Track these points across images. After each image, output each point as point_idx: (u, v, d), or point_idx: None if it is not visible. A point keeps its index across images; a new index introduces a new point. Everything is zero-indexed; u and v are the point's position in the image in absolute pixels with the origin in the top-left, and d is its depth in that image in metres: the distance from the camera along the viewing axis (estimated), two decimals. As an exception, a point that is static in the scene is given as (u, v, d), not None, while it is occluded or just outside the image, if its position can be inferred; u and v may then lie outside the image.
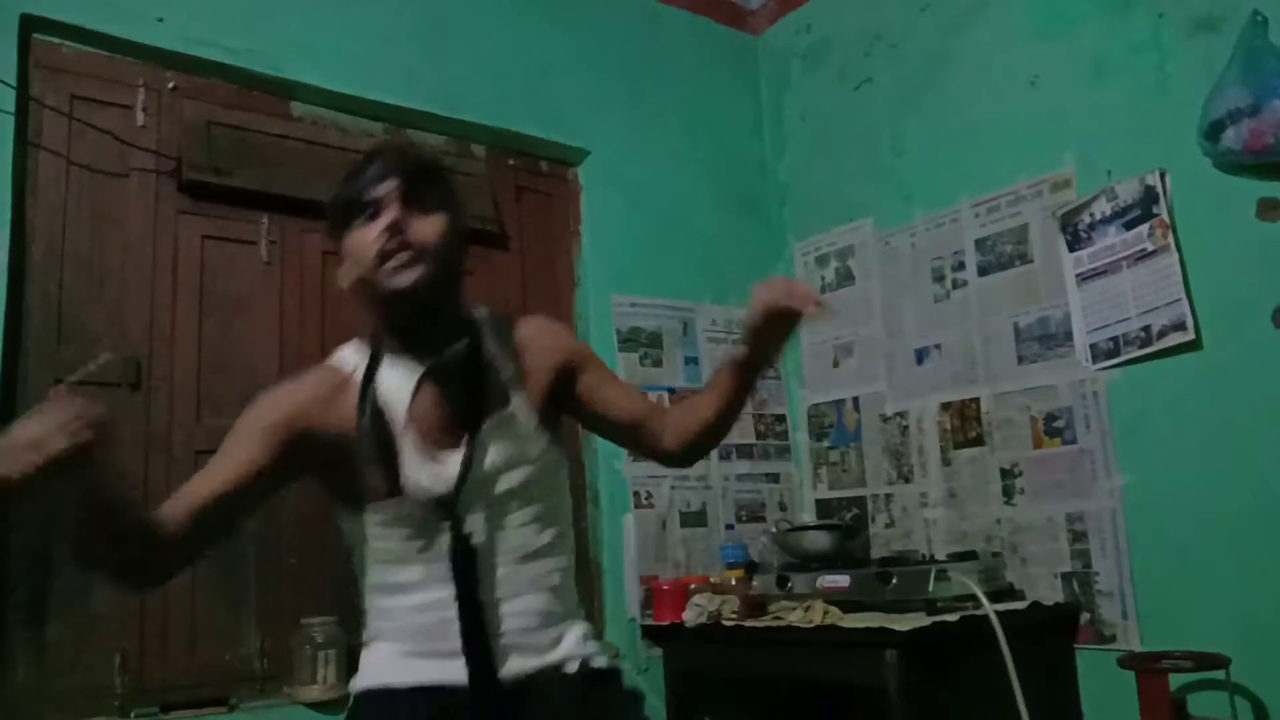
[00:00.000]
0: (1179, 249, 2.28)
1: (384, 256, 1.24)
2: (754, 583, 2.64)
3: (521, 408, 1.37)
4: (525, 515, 1.36)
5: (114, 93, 2.28)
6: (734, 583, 2.66)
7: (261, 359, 2.38)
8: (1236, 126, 2.10)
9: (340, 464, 1.32)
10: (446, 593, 1.29)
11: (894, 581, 2.33)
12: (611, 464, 2.82)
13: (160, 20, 2.29)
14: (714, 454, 3.01)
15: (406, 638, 1.34)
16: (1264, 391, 2.14)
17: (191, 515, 1.22)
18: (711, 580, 2.71)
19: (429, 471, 1.30)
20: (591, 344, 2.87)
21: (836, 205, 3.17)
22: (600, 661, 1.41)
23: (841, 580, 2.44)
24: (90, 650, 2.06)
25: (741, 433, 3.12)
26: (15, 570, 2.01)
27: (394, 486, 1.29)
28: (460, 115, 2.73)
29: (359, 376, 1.33)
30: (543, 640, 1.35)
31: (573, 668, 1.36)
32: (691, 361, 3.06)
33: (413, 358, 1.32)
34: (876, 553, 2.88)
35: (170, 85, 2.35)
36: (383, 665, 1.35)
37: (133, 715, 2.07)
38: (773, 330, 1.36)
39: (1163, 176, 2.32)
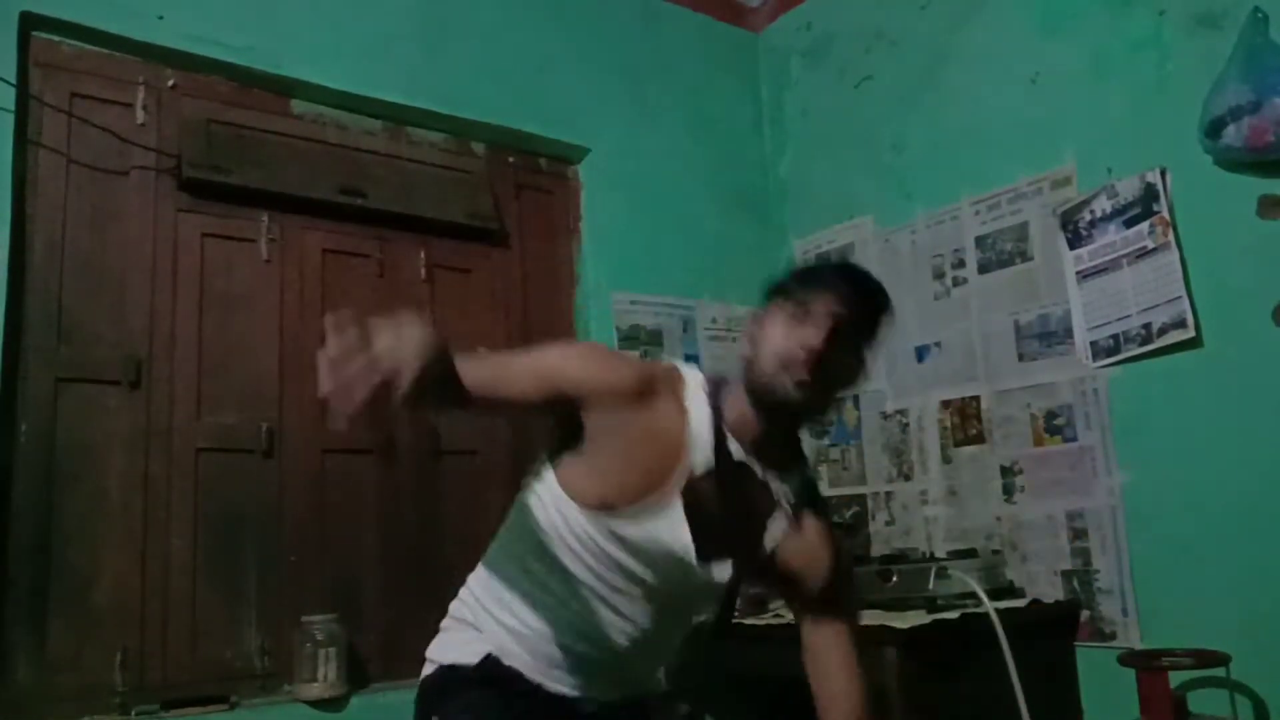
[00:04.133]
0: (1179, 246, 2.28)
1: (790, 364, 1.27)
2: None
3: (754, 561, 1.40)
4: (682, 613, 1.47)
5: (114, 91, 2.28)
6: (734, 580, 2.66)
7: (262, 356, 2.38)
8: (1237, 124, 2.10)
9: (604, 448, 1.33)
10: (588, 635, 1.37)
11: (894, 579, 2.33)
12: (612, 462, 2.82)
13: (160, 18, 2.29)
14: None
15: (526, 646, 1.40)
16: (1264, 389, 2.14)
17: (477, 399, 1.23)
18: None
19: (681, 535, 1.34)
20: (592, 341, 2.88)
21: (837, 202, 3.17)
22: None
23: (842, 578, 2.43)
24: (91, 647, 2.07)
25: (742, 430, 3.11)
26: (15, 568, 2.01)
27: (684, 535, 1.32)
28: (460, 113, 2.73)
29: (692, 409, 1.34)
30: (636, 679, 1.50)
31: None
32: (692, 359, 3.05)
33: (754, 443, 1.35)
34: (877, 550, 2.88)
35: (170, 83, 2.36)
36: (501, 646, 1.41)
37: (133, 713, 2.07)
38: None
39: (1163, 174, 2.32)
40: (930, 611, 2.21)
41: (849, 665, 1.46)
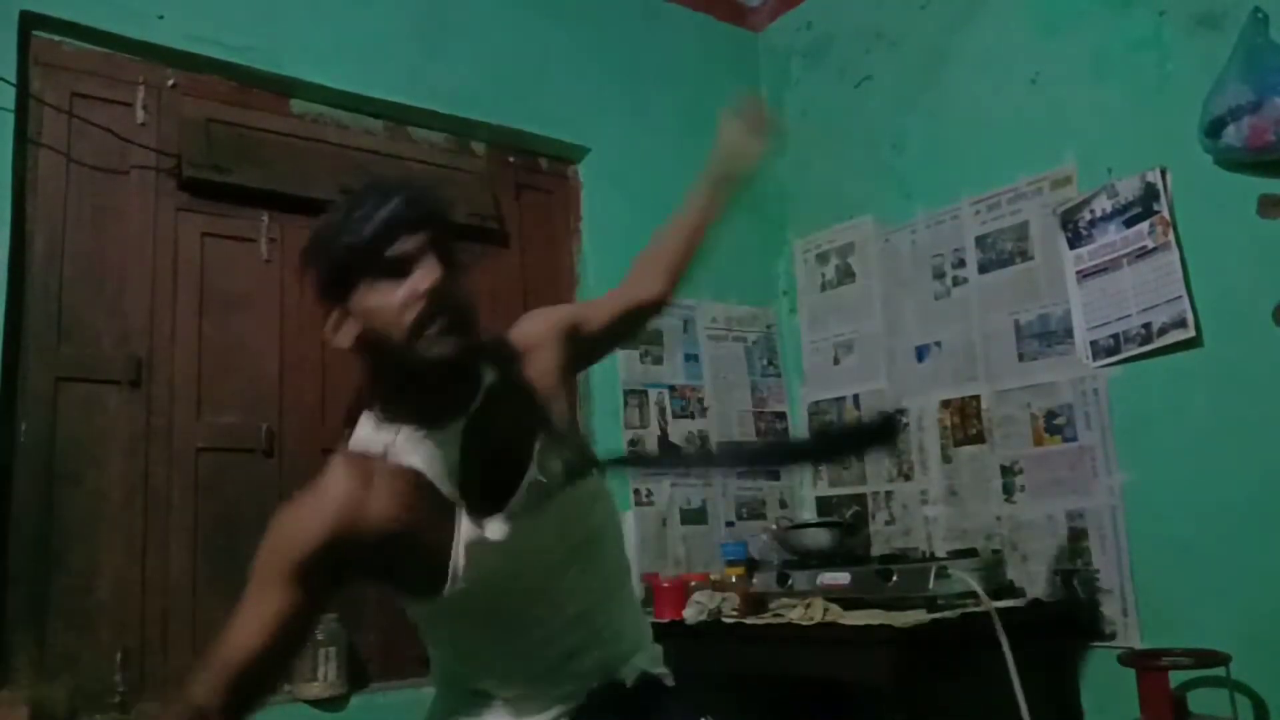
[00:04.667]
0: (1179, 246, 2.28)
1: (423, 324, 1.07)
2: (754, 580, 2.64)
3: (562, 416, 1.26)
4: (604, 548, 1.32)
5: (114, 90, 2.28)
6: (734, 580, 2.66)
7: (262, 356, 2.38)
8: (1237, 123, 2.10)
9: (401, 559, 1.18)
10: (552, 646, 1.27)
11: (894, 579, 2.33)
12: (612, 461, 2.82)
13: (160, 18, 2.29)
14: (714, 452, 3.02)
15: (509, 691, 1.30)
16: (1264, 389, 2.14)
17: (229, 688, 1.14)
18: (712, 577, 2.71)
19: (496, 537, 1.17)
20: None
21: (837, 202, 3.17)
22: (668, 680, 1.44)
23: (842, 577, 2.44)
24: (91, 647, 2.06)
25: (742, 430, 3.12)
26: (15, 567, 2.01)
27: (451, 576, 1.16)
28: (460, 113, 2.73)
29: (395, 455, 1.15)
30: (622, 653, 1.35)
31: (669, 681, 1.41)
32: (692, 359, 3.06)
33: (441, 427, 1.15)
34: (877, 550, 2.88)
35: (170, 83, 2.35)
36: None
37: (133, 712, 2.07)
38: (746, 158, 1.54)
39: (1163, 174, 2.32)
40: (930, 611, 2.21)
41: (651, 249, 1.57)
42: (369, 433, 1.19)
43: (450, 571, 1.15)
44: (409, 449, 1.15)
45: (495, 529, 1.16)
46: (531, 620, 1.23)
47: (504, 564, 1.17)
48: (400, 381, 1.14)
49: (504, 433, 1.19)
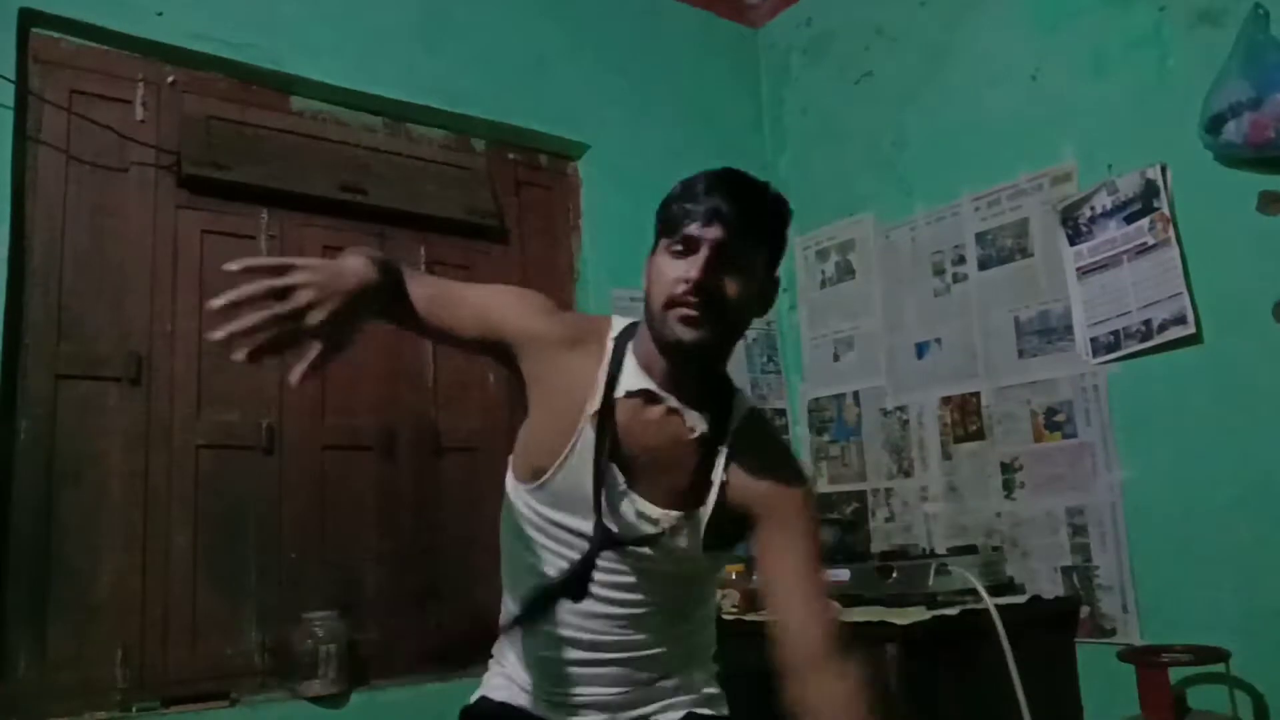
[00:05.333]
0: (1179, 243, 2.28)
1: (675, 302, 1.19)
2: (754, 577, 2.64)
3: (704, 519, 1.30)
4: (667, 594, 1.36)
5: (113, 87, 2.28)
6: (734, 577, 2.66)
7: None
8: (1237, 120, 2.10)
9: (538, 408, 1.32)
10: (565, 619, 1.32)
11: (894, 575, 2.33)
12: (612, 458, 2.82)
13: (159, 15, 2.28)
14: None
15: (516, 655, 1.42)
16: (1264, 385, 2.14)
17: (422, 318, 1.30)
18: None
19: (622, 501, 1.29)
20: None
21: (837, 199, 3.17)
22: (708, 711, 1.45)
23: (842, 574, 2.44)
24: (91, 645, 2.07)
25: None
26: (16, 565, 2.01)
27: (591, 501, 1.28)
28: (460, 109, 2.73)
29: (607, 361, 1.30)
30: (643, 697, 1.39)
31: (674, 716, 1.42)
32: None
33: (665, 389, 1.28)
34: (877, 547, 2.88)
35: (169, 80, 2.35)
36: (498, 687, 1.44)
37: (134, 709, 2.07)
38: None
39: (1163, 170, 2.32)
40: (930, 608, 2.22)
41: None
42: (619, 320, 1.35)
43: (559, 459, 1.27)
44: (630, 366, 1.29)
45: (624, 497, 1.28)
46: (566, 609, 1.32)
47: (581, 489, 1.27)
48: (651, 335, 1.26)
49: (688, 459, 1.29)
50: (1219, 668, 2.02)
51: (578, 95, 2.98)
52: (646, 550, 1.29)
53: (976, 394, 2.72)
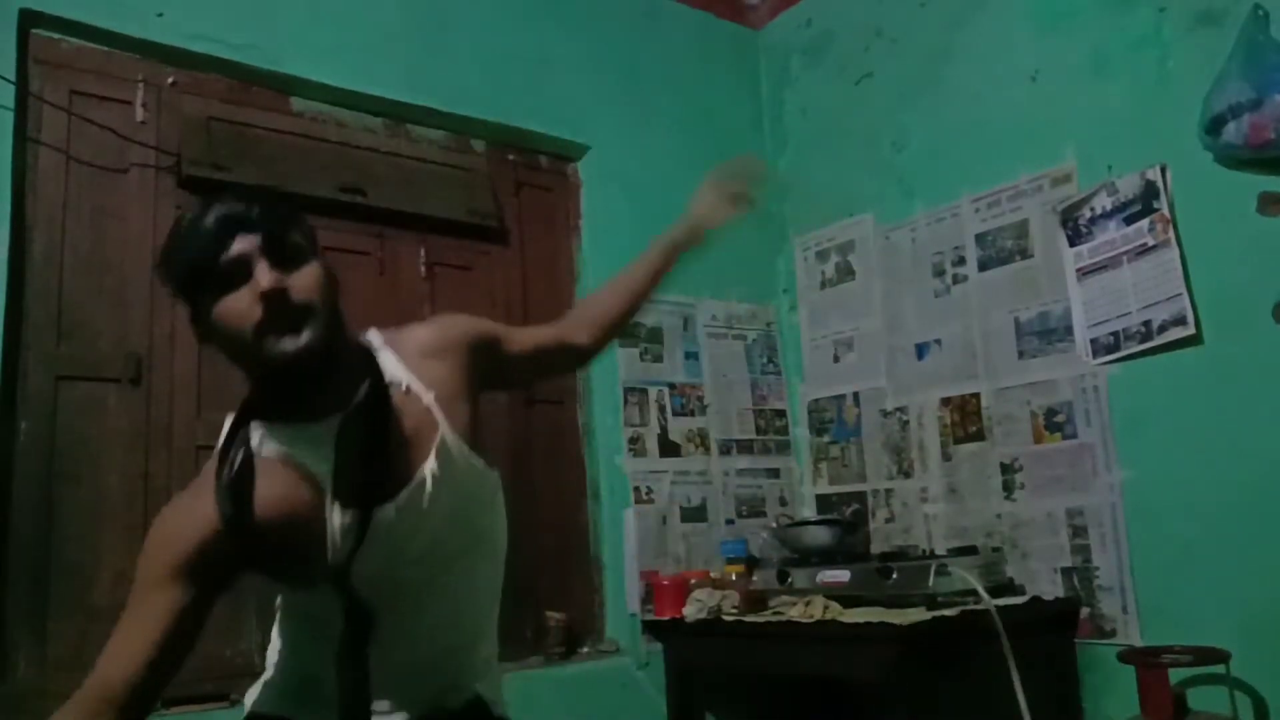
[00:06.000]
0: (1179, 244, 2.28)
1: (265, 328, 1.08)
2: (754, 578, 2.64)
3: (451, 434, 1.22)
4: (459, 559, 1.27)
5: (113, 88, 2.28)
6: (734, 578, 2.66)
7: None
8: (1237, 121, 2.10)
9: (283, 545, 1.17)
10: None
11: (894, 576, 2.33)
12: (612, 460, 2.82)
13: (160, 16, 2.28)
14: (714, 449, 3.03)
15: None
16: (1264, 386, 2.14)
17: (114, 710, 1.07)
18: (712, 575, 2.72)
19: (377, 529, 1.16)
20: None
21: (837, 200, 3.17)
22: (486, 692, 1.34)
23: (842, 575, 2.44)
24: (92, 645, 2.05)
25: (742, 428, 3.12)
26: (16, 565, 2.01)
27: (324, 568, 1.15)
28: (460, 110, 2.73)
29: (272, 446, 1.18)
30: (440, 687, 1.30)
31: (456, 703, 1.31)
32: (692, 357, 3.06)
33: (318, 421, 1.16)
34: (877, 548, 2.88)
35: (170, 81, 2.35)
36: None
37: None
38: (709, 222, 1.54)
39: (1163, 171, 2.32)
40: (930, 609, 2.21)
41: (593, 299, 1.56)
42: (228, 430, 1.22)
43: (329, 548, 1.14)
44: (288, 438, 1.17)
45: (384, 514, 1.16)
46: (394, 620, 1.21)
47: (385, 550, 1.17)
48: (264, 380, 1.17)
49: (383, 430, 1.18)
50: (1219, 668, 2.02)
51: (578, 96, 2.98)
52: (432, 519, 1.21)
53: (976, 395, 2.72)
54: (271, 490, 1.16)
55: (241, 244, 1.09)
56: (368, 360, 1.22)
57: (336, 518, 1.15)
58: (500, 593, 1.38)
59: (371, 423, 1.17)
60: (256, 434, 1.20)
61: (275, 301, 1.08)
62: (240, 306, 1.08)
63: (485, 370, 1.33)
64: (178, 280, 1.13)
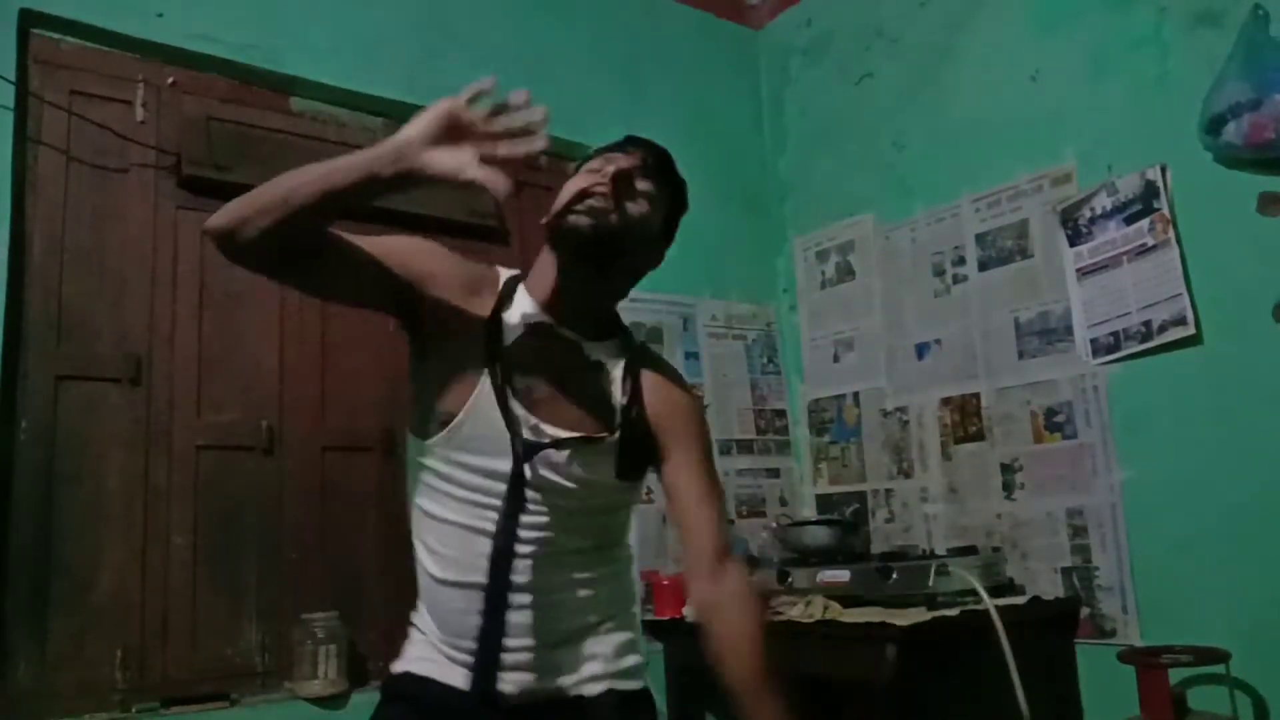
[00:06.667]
0: (1179, 244, 2.28)
1: (585, 194, 1.26)
2: (754, 577, 2.63)
3: (612, 449, 1.31)
4: (583, 529, 1.33)
5: (113, 88, 2.28)
6: (734, 577, 2.66)
7: (262, 354, 2.38)
8: (1237, 121, 2.10)
9: (440, 348, 1.31)
10: (478, 564, 1.26)
11: (894, 576, 2.33)
12: (612, 459, 2.82)
13: (159, 15, 2.29)
14: (714, 447, 3.02)
15: (436, 627, 1.34)
16: (1264, 386, 2.14)
17: (327, 248, 1.26)
18: (712, 575, 2.71)
19: (527, 423, 1.27)
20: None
21: (837, 200, 3.17)
22: (631, 684, 1.37)
23: (842, 575, 2.44)
24: (91, 645, 2.07)
25: (742, 428, 3.12)
26: (15, 565, 2.01)
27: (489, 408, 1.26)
28: (460, 110, 2.73)
29: (499, 292, 1.34)
30: (558, 662, 1.31)
31: (595, 690, 1.32)
32: (692, 356, 3.06)
33: (557, 320, 1.32)
34: (877, 548, 2.88)
35: (169, 80, 2.35)
36: (412, 654, 1.39)
37: (134, 710, 2.07)
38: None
39: (1163, 171, 2.32)
40: (930, 609, 2.22)
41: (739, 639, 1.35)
42: (510, 271, 1.40)
43: (466, 402, 1.25)
44: (516, 298, 1.33)
45: (550, 427, 1.27)
46: (488, 521, 1.27)
47: (492, 425, 1.25)
48: (551, 258, 1.32)
49: (589, 386, 1.31)
50: (1219, 669, 2.02)
51: (578, 96, 2.97)
52: (563, 481, 1.28)
53: (976, 395, 2.72)
54: (474, 312, 1.31)
55: (633, 157, 1.30)
56: (620, 330, 1.39)
57: (517, 381, 1.27)
58: (624, 574, 1.45)
59: (589, 367, 1.33)
60: (520, 289, 1.35)
61: (615, 180, 1.26)
62: (594, 175, 1.28)
63: (656, 446, 1.37)
64: (579, 164, 1.36)
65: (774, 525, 2.98)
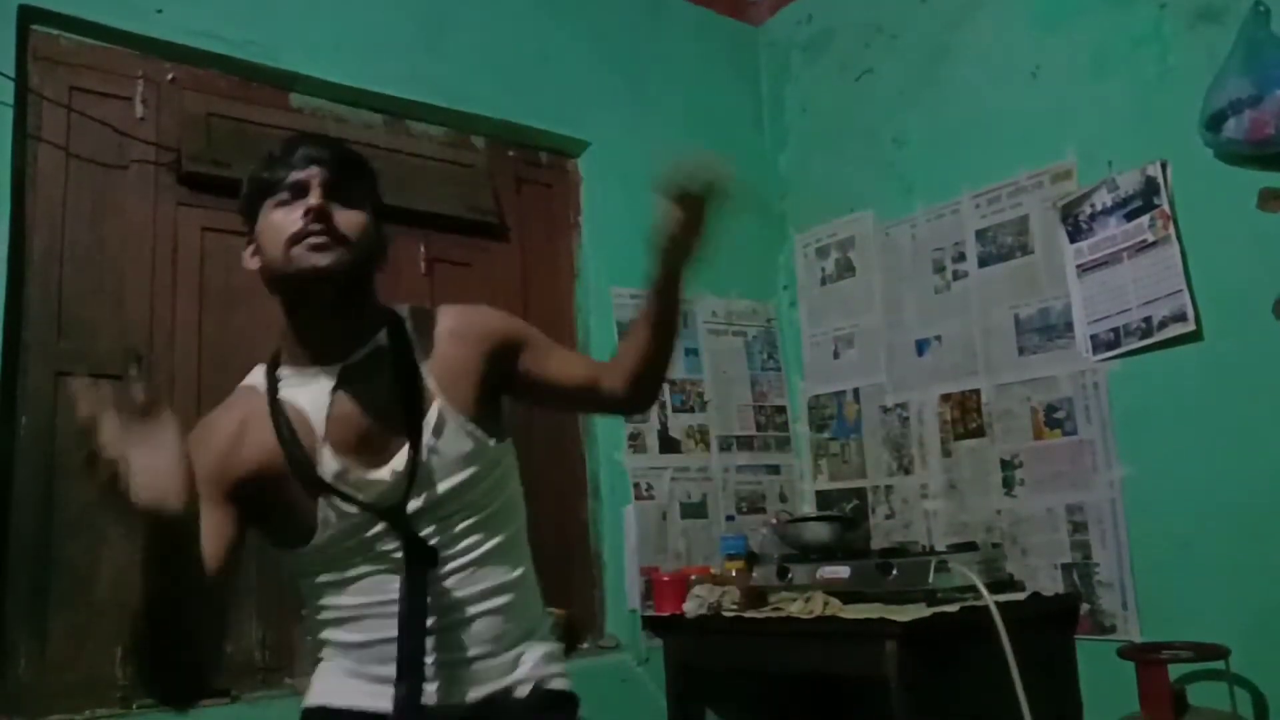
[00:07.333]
0: (1180, 240, 2.28)
1: (300, 237, 1.20)
2: (754, 574, 2.64)
3: (450, 408, 1.29)
4: (471, 523, 1.29)
5: (113, 84, 2.27)
6: (734, 574, 2.66)
7: (262, 351, 2.35)
8: (1238, 117, 2.10)
9: (275, 500, 1.24)
10: (390, 614, 1.23)
11: (894, 572, 2.34)
12: (612, 456, 2.82)
13: (159, 12, 2.28)
14: (714, 445, 3.03)
15: (352, 659, 1.29)
16: (1264, 382, 2.14)
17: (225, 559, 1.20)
18: (712, 571, 2.72)
19: (362, 487, 1.24)
20: (591, 336, 2.89)
21: (837, 197, 3.16)
22: (558, 684, 1.34)
23: (842, 571, 2.44)
24: (92, 642, 2.06)
25: (742, 424, 3.12)
26: (16, 562, 2.01)
27: (314, 520, 1.23)
28: (460, 107, 2.73)
29: (282, 392, 1.27)
30: (492, 665, 1.28)
31: (523, 692, 1.30)
32: (692, 353, 3.06)
33: (324, 366, 1.27)
34: (877, 544, 2.88)
35: (169, 77, 2.35)
36: (327, 684, 1.31)
37: (134, 707, 2.07)
38: (683, 233, 1.41)
39: (1164, 167, 2.32)
40: (930, 605, 2.22)
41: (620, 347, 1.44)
42: (259, 374, 1.33)
43: (320, 515, 1.23)
44: (294, 386, 1.27)
45: (379, 475, 1.24)
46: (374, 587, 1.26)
47: (363, 519, 1.23)
48: (288, 306, 1.28)
49: (379, 403, 1.26)
50: (1219, 665, 2.03)
51: (578, 92, 2.97)
52: (438, 493, 1.26)
53: (976, 391, 2.72)
54: (267, 439, 1.25)
55: (308, 172, 1.23)
56: (392, 321, 1.32)
57: (328, 464, 1.22)
58: (529, 578, 1.39)
59: (380, 376, 1.27)
60: (275, 378, 1.30)
61: (316, 217, 1.20)
62: (286, 218, 1.21)
63: (505, 371, 1.38)
64: (246, 194, 1.28)
65: (774, 521, 2.98)
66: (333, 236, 1.20)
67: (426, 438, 1.26)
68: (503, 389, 1.39)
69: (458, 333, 1.36)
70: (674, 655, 2.66)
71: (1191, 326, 2.24)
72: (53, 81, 2.19)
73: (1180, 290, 2.26)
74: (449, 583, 1.26)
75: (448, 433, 1.28)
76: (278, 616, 2.27)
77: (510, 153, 2.91)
